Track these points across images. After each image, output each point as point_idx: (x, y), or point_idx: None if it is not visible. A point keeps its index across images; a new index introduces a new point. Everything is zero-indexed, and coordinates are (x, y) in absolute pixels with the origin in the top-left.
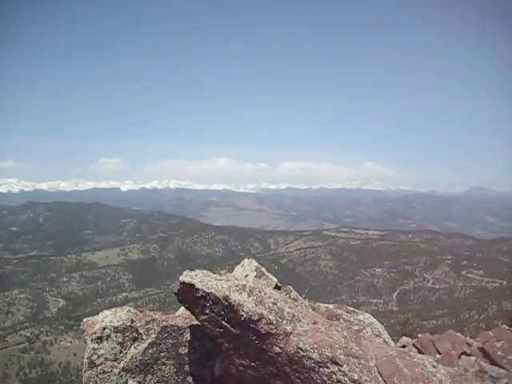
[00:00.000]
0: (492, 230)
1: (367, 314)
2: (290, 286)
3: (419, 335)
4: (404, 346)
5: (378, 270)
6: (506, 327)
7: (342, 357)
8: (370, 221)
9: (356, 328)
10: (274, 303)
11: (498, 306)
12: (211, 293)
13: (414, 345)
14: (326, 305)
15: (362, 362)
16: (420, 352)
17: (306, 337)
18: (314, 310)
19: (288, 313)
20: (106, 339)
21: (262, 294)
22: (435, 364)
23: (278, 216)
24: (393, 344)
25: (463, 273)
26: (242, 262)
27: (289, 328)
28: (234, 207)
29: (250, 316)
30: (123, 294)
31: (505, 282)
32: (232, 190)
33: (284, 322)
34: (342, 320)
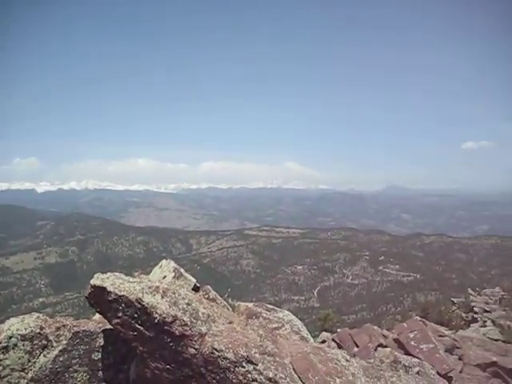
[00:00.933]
0: (407, 226)
1: (286, 312)
2: (208, 286)
3: (338, 330)
4: (324, 341)
5: (299, 267)
6: (419, 318)
7: (257, 355)
8: (291, 219)
9: (275, 325)
10: (189, 304)
11: (413, 299)
12: (123, 295)
13: (333, 339)
14: (246, 304)
15: (277, 359)
16: (339, 346)
17: (221, 337)
18: (233, 309)
19: (203, 313)
20: (13, 348)
21: (176, 295)
22: (348, 358)
23: (199, 216)
24: (312, 340)
25: (380, 268)
26: (160, 263)
27: (203, 329)
28: (155, 208)
29: (164, 318)
30: (40, 300)
31: (418, 276)
32: (153, 190)
33: (199, 322)
34: (261, 318)
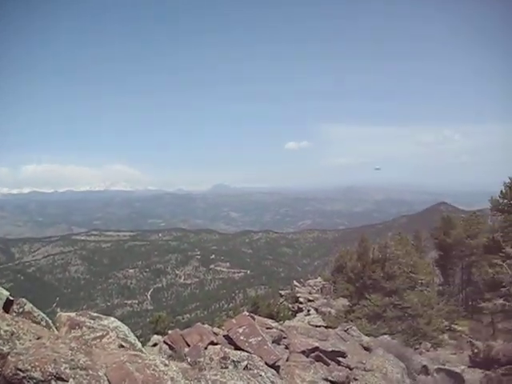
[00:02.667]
0: (235, 224)
1: (112, 318)
2: (23, 299)
3: (169, 332)
4: (156, 344)
5: (131, 270)
6: (247, 313)
7: (68, 371)
8: (121, 222)
9: (99, 334)
10: None
11: (244, 294)
12: None
13: (164, 341)
14: (68, 314)
15: (91, 372)
16: (171, 348)
17: (26, 355)
18: (53, 321)
19: (5, 331)
20: None
21: None
22: (167, 362)
23: (21, 222)
24: (139, 345)
25: (212, 266)
26: None
27: (5, 348)
28: None
29: None
30: None
31: (248, 271)
32: None
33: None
34: (84, 328)
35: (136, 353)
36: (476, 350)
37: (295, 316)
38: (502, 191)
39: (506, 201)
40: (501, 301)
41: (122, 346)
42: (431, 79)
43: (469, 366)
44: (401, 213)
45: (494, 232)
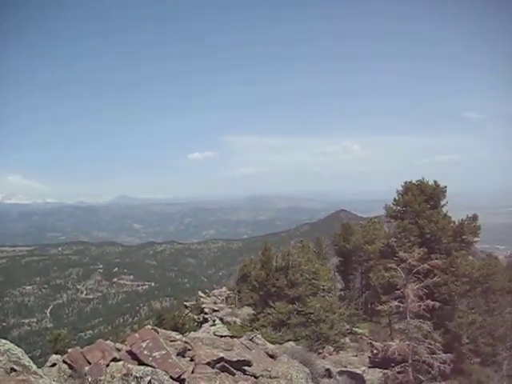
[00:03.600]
0: (139, 236)
1: (3, 341)
2: None
3: (69, 350)
4: (54, 364)
5: (29, 287)
6: (150, 327)
7: None
8: (17, 236)
9: None
10: None
11: (149, 307)
12: None
13: (64, 361)
14: None
15: None
16: (70, 367)
17: None
18: None
19: None
20: None
21: None
22: None
23: None
24: (34, 367)
25: (115, 280)
26: None
27: None
28: None
29: None
30: None
31: (153, 284)
32: None
33: None
34: None
35: (25, 377)
36: (375, 351)
37: (201, 327)
38: (395, 199)
39: (399, 208)
40: (396, 303)
41: (14, 370)
42: (330, 91)
43: (369, 367)
44: (303, 221)
45: (388, 238)
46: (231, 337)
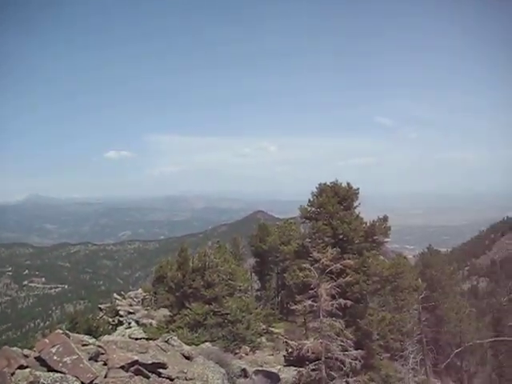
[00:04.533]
0: (51, 236)
1: None
2: None
3: None
4: None
5: None
6: (61, 331)
7: None
8: None
9: None
10: None
11: (62, 310)
12: None
13: None
14: None
15: None
16: None
17: None
18: None
19: None
20: None
21: None
22: None
23: None
24: None
25: (25, 282)
26: None
27: None
28: None
29: None
30: None
31: (66, 286)
32: None
33: None
34: None
35: None
36: (290, 350)
37: (116, 330)
38: (309, 200)
39: (313, 209)
40: (309, 302)
41: None
42: (246, 93)
43: (284, 365)
44: (220, 221)
45: (303, 238)
46: (147, 339)
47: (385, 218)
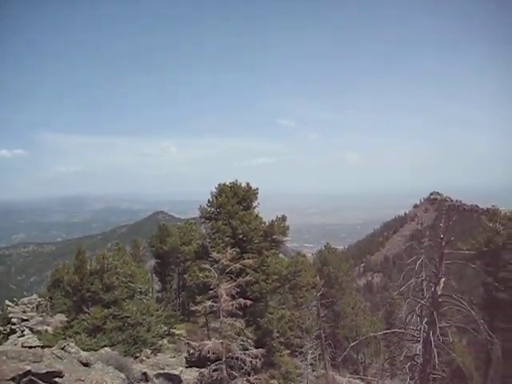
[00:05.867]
0: None
1: None
2: None
3: None
4: None
5: None
6: None
7: None
8: None
9: None
10: None
11: None
12: None
13: None
14: None
15: None
16: None
17: None
18: None
19: None
20: None
21: None
22: None
23: None
24: None
25: None
26: None
27: None
28: None
29: None
30: None
31: None
32: None
33: None
34: None
35: None
36: (192, 351)
37: (7, 339)
38: (209, 200)
39: (213, 209)
40: (209, 303)
41: None
42: (149, 93)
43: (186, 367)
44: (120, 222)
45: (203, 238)
46: (42, 347)
47: (283, 218)
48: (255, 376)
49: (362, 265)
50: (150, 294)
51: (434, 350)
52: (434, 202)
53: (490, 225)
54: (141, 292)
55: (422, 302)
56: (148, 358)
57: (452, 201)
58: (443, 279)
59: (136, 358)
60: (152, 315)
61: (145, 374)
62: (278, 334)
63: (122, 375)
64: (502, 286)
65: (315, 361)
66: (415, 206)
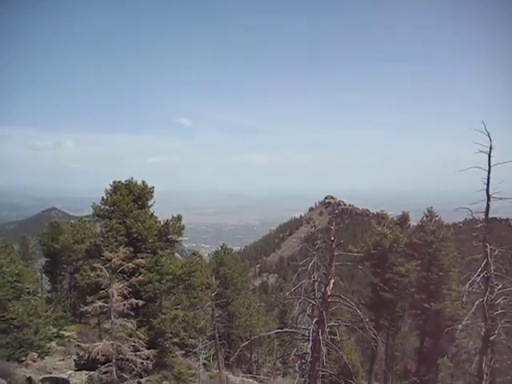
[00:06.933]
0: None
1: None
2: None
3: None
4: None
5: None
6: None
7: None
8: None
9: None
10: None
11: None
12: None
13: None
14: None
15: None
16: None
17: None
18: None
19: None
20: None
21: None
22: None
23: None
24: None
25: None
26: None
27: None
28: None
29: None
30: None
31: None
32: None
33: None
34: None
35: None
36: (81, 353)
37: None
38: (103, 198)
39: (107, 207)
40: (100, 303)
41: None
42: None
43: (76, 370)
44: (9, 218)
45: (96, 237)
46: None
47: (179, 217)
48: (146, 377)
49: (258, 265)
50: (39, 295)
51: (323, 348)
52: (328, 205)
53: (379, 228)
54: (29, 292)
55: (313, 302)
56: (34, 361)
57: (345, 204)
58: (333, 280)
59: (21, 362)
60: (40, 316)
61: (29, 378)
62: (171, 335)
63: (4, 381)
64: (387, 286)
65: (209, 361)
66: (311, 209)
